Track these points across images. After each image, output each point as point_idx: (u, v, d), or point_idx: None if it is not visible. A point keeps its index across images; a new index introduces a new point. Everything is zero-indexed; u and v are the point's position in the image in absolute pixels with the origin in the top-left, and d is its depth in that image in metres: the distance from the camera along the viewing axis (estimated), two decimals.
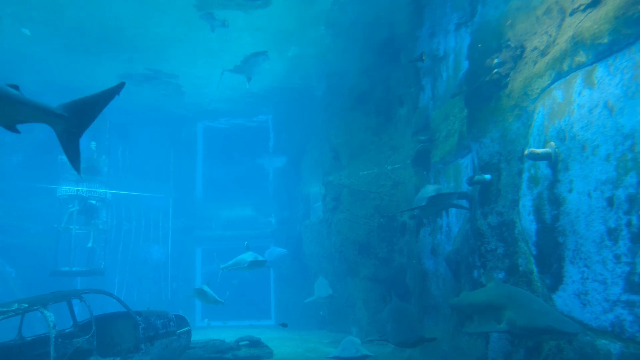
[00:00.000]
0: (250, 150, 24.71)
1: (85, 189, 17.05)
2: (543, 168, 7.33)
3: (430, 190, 8.81)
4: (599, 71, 6.38)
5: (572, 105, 6.84)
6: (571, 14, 7.36)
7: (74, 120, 4.44)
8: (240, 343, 12.95)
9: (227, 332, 16.64)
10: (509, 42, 8.62)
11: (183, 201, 23.81)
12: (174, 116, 22.08)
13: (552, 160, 7.10)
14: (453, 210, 10.54)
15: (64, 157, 18.30)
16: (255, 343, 13.02)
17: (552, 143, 7.15)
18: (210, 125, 24.33)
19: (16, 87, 4.14)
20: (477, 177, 8.52)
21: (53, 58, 15.67)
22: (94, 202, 17.05)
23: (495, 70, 8.66)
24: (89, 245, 16.89)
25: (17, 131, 4.22)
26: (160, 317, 9.89)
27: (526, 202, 7.70)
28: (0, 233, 17.88)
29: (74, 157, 4.53)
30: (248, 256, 12.49)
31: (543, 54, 7.82)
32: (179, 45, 15.01)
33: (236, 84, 18.30)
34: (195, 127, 24.44)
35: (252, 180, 25.31)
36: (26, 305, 7.65)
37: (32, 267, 17.26)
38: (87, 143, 17.68)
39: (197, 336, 12.76)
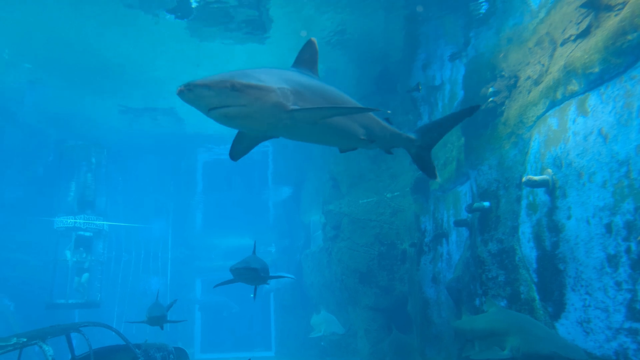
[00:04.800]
0: (250, 179, 24.74)
1: (82, 221, 17.04)
2: (541, 195, 7.38)
3: None
4: (592, 99, 6.50)
5: (567, 132, 6.93)
6: (562, 44, 7.54)
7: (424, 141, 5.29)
8: None
9: None
10: (503, 73, 8.79)
11: (182, 232, 23.76)
12: (174, 146, 22.16)
13: (549, 187, 7.15)
14: (453, 238, 10.53)
15: (60, 189, 18.43)
16: None
17: (549, 170, 7.21)
18: (210, 154, 24.40)
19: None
20: (476, 205, 8.56)
21: (53, 92, 15.87)
22: (90, 234, 16.99)
23: (491, 99, 8.81)
24: (83, 278, 16.70)
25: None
26: (160, 349, 9.78)
27: (525, 229, 7.72)
28: None
29: (426, 168, 5.45)
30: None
31: (537, 82, 7.97)
32: (178, 78, 15.22)
33: None
34: (195, 157, 24.47)
35: (251, 210, 25.26)
36: (25, 340, 7.56)
37: (30, 300, 17.10)
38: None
39: None
